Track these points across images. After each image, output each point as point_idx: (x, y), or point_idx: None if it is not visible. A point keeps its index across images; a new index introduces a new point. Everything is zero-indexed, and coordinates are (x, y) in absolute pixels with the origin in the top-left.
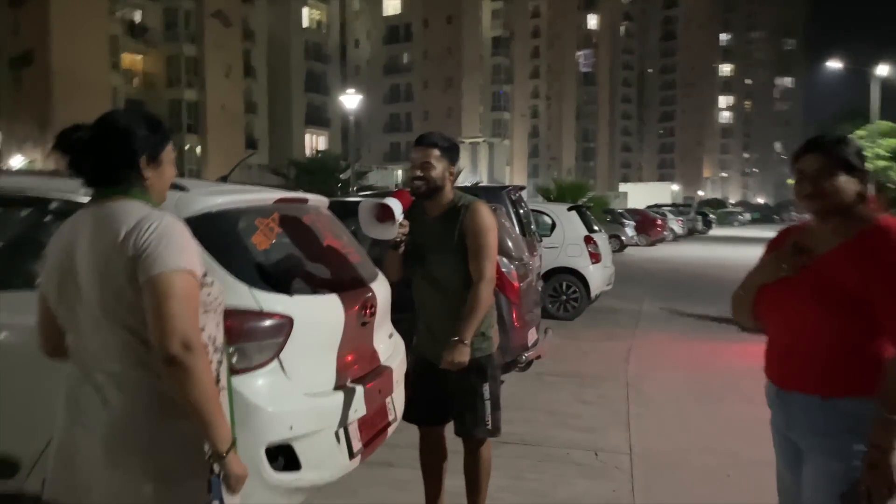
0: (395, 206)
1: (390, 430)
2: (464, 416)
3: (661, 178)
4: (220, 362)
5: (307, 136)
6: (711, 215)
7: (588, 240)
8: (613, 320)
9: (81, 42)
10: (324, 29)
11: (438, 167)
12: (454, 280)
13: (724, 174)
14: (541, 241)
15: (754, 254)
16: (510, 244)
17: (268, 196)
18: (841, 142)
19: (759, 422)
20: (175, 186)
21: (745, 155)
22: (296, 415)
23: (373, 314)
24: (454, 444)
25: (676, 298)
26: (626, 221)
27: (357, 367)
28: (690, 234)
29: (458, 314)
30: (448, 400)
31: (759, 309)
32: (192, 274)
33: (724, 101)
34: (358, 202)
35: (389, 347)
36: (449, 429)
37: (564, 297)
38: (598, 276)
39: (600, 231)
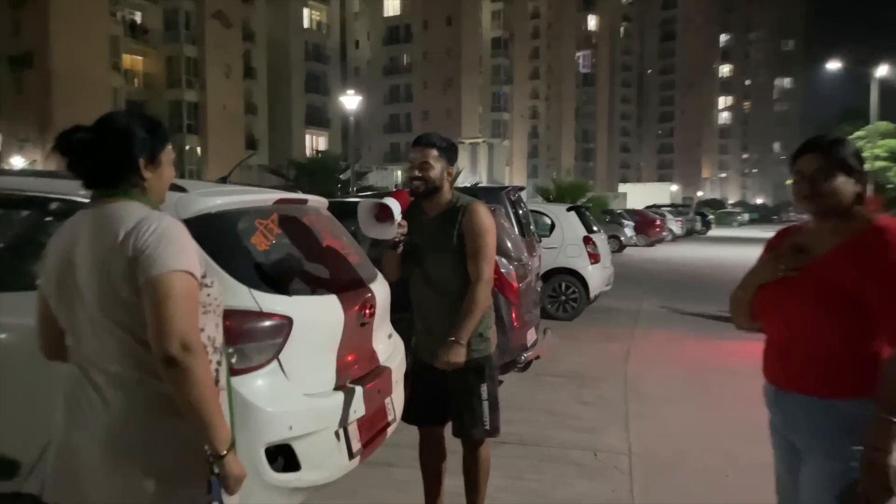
0: (394, 206)
1: (390, 430)
2: (462, 416)
3: (661, 179)
4: (219, 363)
5: (307, 137)
6: (710, 216)
7: (587, 240)
8: (612, 321)
9: (82, 43)
10: (324, 30)
11: (437, 167)
12: (452, 280)
13: (722, 174)
14: (540, 241)
15: (753, 254)
16: (509, 245)
17: (267, 197)
18: (839, 143)
19: (758, 422)
20: (174, 187)
21: (744, 155)
22: (295, 415)
23: (372, 314)
24: (453, 445)
25: (676, 298)
26: (625, 222)
27: (356, 368)
28: (689, 234)
29: (455, 314)
30: (447, 400)
31: (757, 309)
32: (191, 275)
33: (723, 101)
34: (357, 202)
35: (389, 348)
36: (448, 429)
37: (563, 298)
38: (597, 277)
39: (599, 231)
